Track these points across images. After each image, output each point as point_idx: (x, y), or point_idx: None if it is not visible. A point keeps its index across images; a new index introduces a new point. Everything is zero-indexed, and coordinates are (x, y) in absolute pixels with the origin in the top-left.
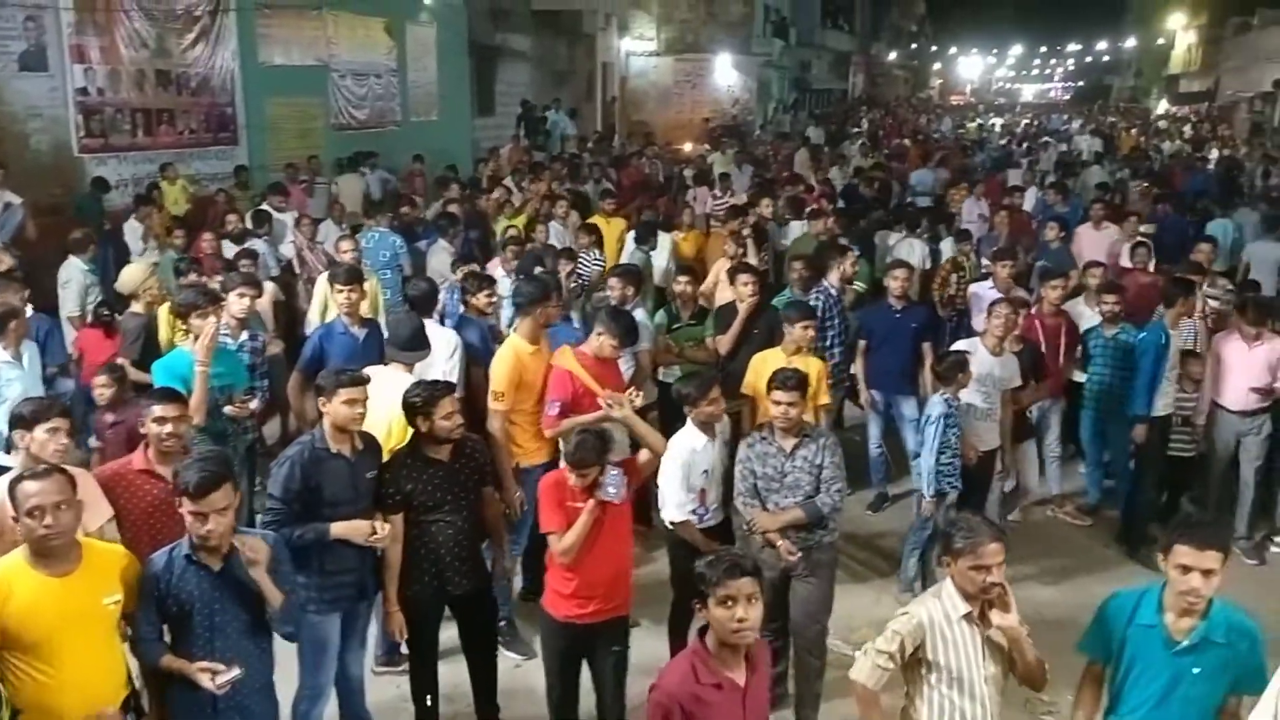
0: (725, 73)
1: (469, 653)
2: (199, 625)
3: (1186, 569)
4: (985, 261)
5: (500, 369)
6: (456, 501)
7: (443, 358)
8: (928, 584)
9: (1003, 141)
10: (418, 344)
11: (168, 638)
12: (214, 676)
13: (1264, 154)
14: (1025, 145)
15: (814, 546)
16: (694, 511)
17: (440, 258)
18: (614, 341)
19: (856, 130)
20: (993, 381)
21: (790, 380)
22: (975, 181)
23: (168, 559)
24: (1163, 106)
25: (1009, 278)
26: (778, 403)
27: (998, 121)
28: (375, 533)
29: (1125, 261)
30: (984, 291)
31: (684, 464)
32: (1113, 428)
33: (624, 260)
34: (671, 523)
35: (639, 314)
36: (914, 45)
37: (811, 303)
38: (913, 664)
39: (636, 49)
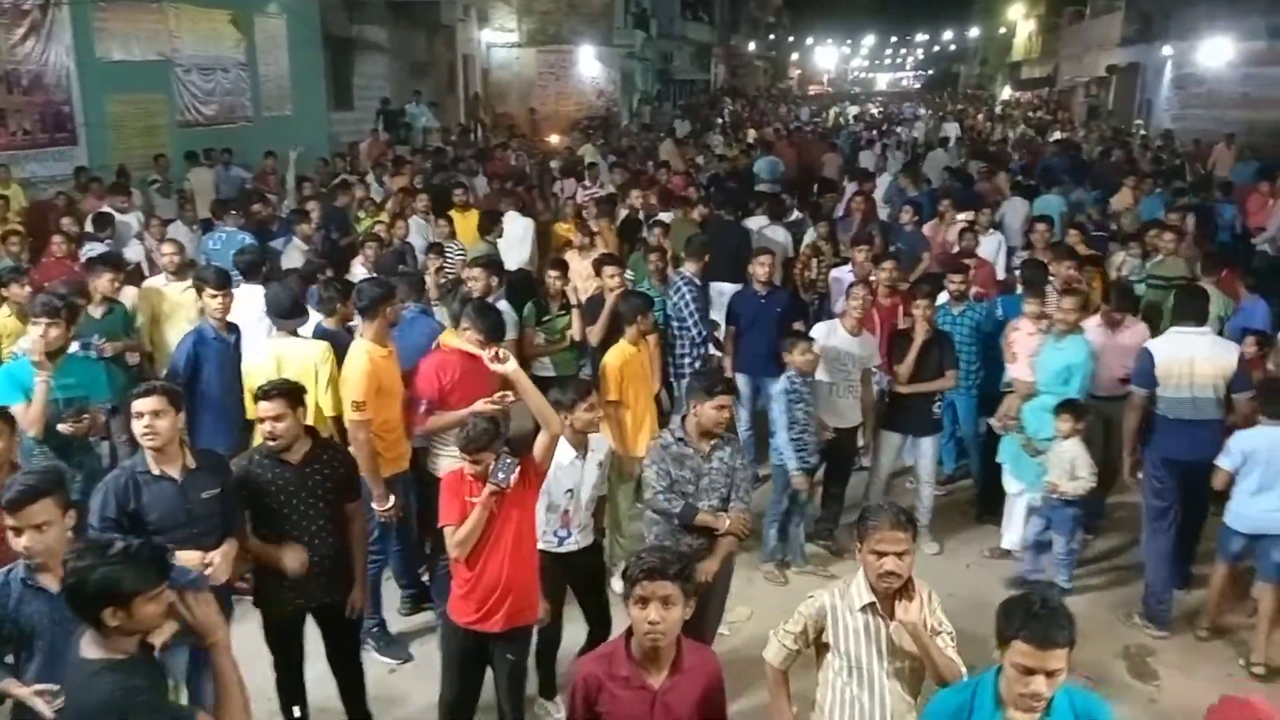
0: (589, 64)
1: (332, 662)
2: (40, 650)
3: (1029, 670)
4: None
5: (356, 377)
6: (309, 510)
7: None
8: (791, 558)
9: (857, 129)
10: (297, 311)
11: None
12: (50, 700)
13: (1100, 135)
14: (876, 132)
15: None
16: (555, 534)
17: (293, 257)
18: (480, 336)
19: (720, 120)
20: (852, 361)
21: (731, 384)
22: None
23: (4, 581)
24: (1007, 92)
25: (866, 262)
26: (721, 406)
27: (853, 110)
28: (210, 564)
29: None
30: (844, 275)
31: (545, 479)
32: (961, 401)
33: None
34: None
35: (501, 305)
36: (772, 36)
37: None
38: (822, 649)
39: (498, 40)
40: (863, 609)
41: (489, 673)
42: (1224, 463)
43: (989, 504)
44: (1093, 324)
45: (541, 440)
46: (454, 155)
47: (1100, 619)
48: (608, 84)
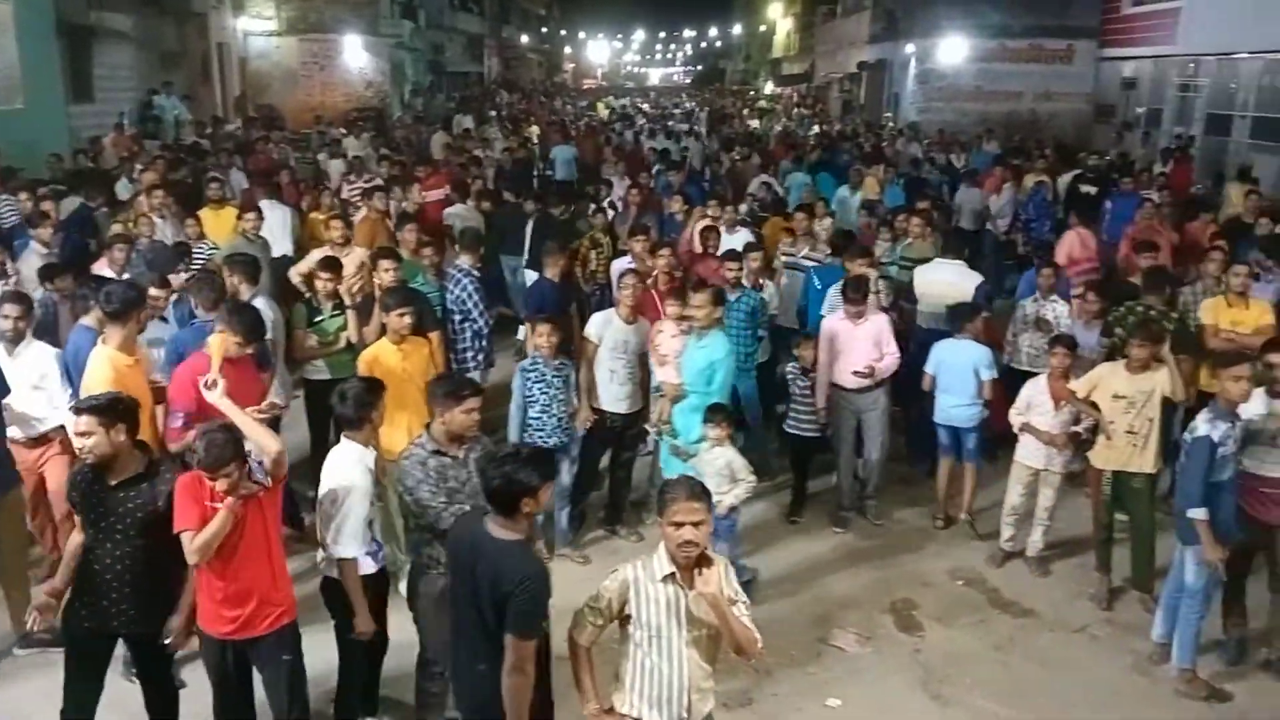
0: (355, 54)
1: (142, 683)
2: None
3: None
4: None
5: (96, 387)
6: (115, 531)
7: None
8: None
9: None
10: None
11: None
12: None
13: (853, 128)
14: (647, 125)
15: None
16: (368, 553)
17: (31, 263)
18: (237, 338)
19: (495, 113)
20: (629, 348)
21: (477, 387)
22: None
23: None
24: (769, 88)
25: (644, 252)
26: (469, 410)
27: (624, 103)
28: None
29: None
30: (624, 266)
31: (352, 488)
32: (742, 384)
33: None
34: (339, 559)
35: (259, 303)
36: (544, 29)
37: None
38: (625, 622)
39: (255, 29)
40: (663, 579)
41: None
42: (926, 368)
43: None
44: (835, 317)
45: (268, 461)
46: (210, 149)
47: (870, 579)
48: (376, 75)
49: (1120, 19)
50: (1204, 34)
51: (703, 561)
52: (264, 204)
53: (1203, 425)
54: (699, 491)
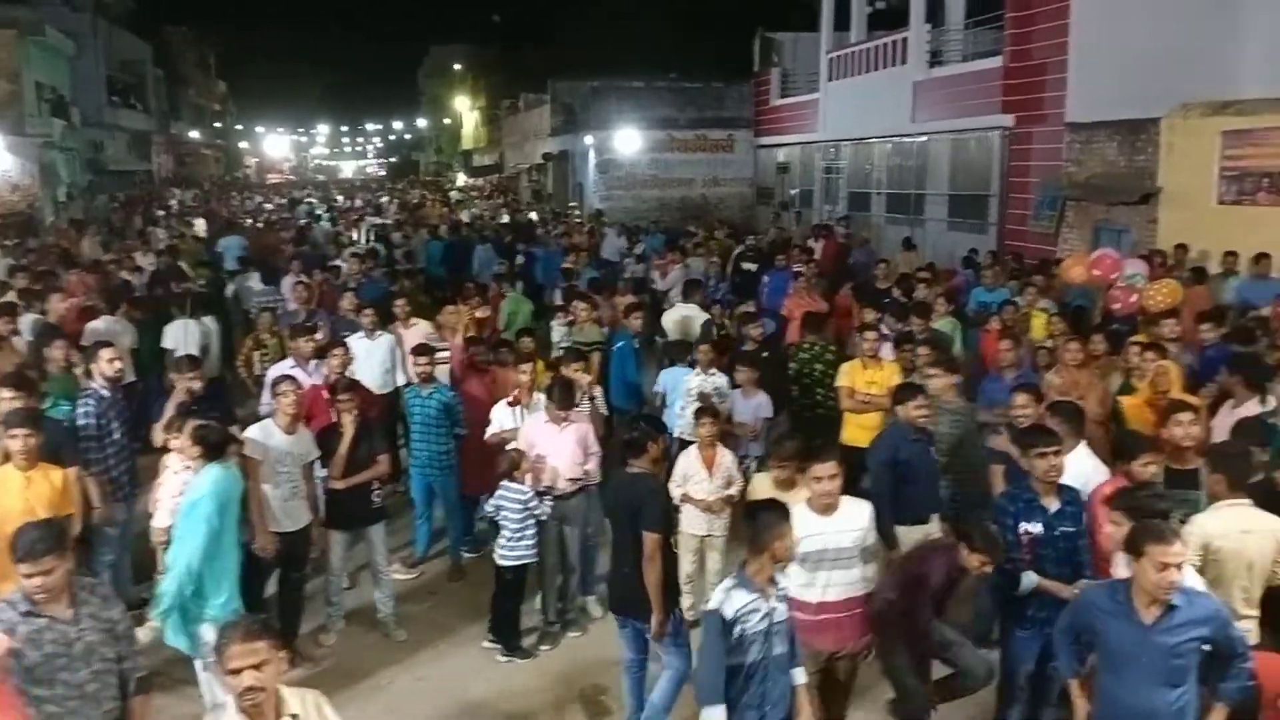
0: None
1: None
2: None
3: None
4: None
5: None
6: None
7: None
8: None
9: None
10: None
11: None
12: None
13: (542, 216)
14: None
15: None
16: None
17: None
18: None
19: (163, 212)
20: (292, 460)
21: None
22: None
23: None
24: (462, 179)
25: (310, 354)
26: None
27: (312, 199)
28: None
29: None
30: (282, 370)
31: None
32: (440, 481)
33: None
34: None
35: None
36: (218, 124)
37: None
38: None
39: None
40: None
41: None
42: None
43: None
44: (538, 419)
45: None
46: None
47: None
48: (23, 177)
49: (770, 110)
50: (839, 122)
51: (279, 705)
52: None
53: (717, 594)
54: (256, 630)
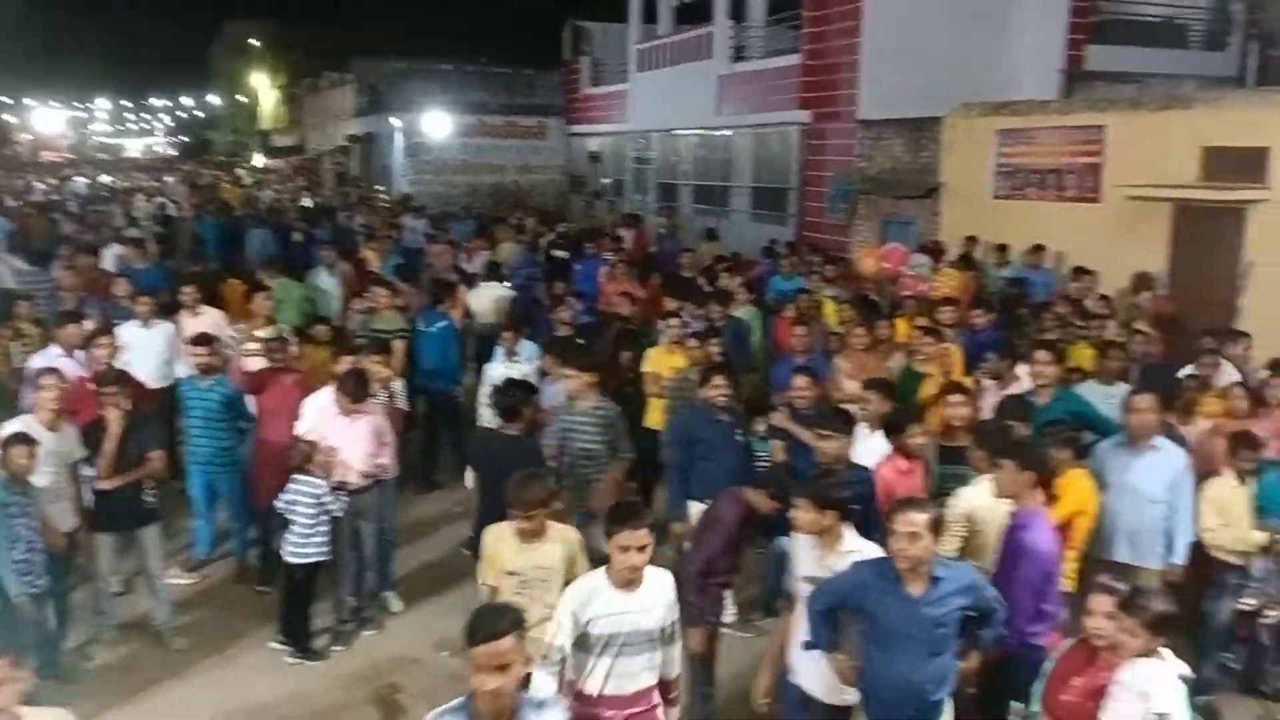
0: None
1: None
2: None
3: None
4: None
5: None
6: None
7: None
8: None
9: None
10: None
11: None
12: None
13: (347, 200)
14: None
15: None
16: None
17: None
18: None
19: None
20: (56, 459)
21: None
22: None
23: None
24: (260, 160)
25: (77, 343)
26: None
27: (81, 180)
28: None
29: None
30: (46, 360)
31: None
32: (222, 478)
33: None
34: None
35: None
36: None
37: None
38: None
39: None
40: None
41: None
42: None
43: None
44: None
45: None
46: None
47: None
48: None
49: (581, 99)
50: (648, 113)
51: None
52: None
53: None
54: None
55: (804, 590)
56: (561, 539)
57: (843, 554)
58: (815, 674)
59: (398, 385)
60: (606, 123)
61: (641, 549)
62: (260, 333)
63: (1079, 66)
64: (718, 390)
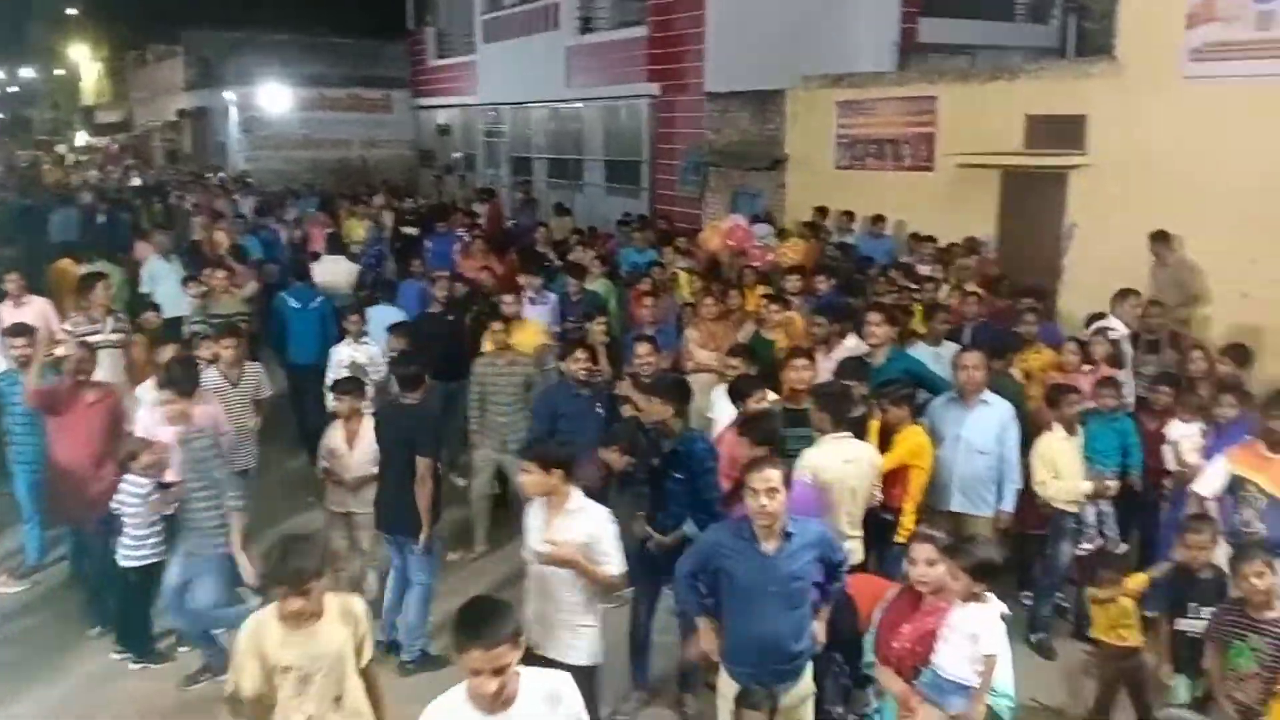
0: None
1: None
2: None
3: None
4: None
5: None
6: None
7: None
8: None
9: None
10: None
11: None
12: None
13: (180, 179)
14: None
15: None
16: None
17: None
18: None
19: None
20: None
21: None
22: None
23: None
24: (83, 138)
25: None
26: None
27: None
28: None
29: None
30: None
31: None
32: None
33: None
34: None
35: None
36: None
37: None
38: None
39: None
40: None
41: None
42: None
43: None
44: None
45: None
46: None
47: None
48: None
49: (428, 71)
50: (497, 85)
51: None
52: None
53: None
54: None
55: (535, 569)
56: (343, 614)
57: (570, 512)
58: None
59: (256, 370)
60: (455, 95)
61: (498, 671)
62: (99, 324)
63: (912, 39)
64: (578, 364)
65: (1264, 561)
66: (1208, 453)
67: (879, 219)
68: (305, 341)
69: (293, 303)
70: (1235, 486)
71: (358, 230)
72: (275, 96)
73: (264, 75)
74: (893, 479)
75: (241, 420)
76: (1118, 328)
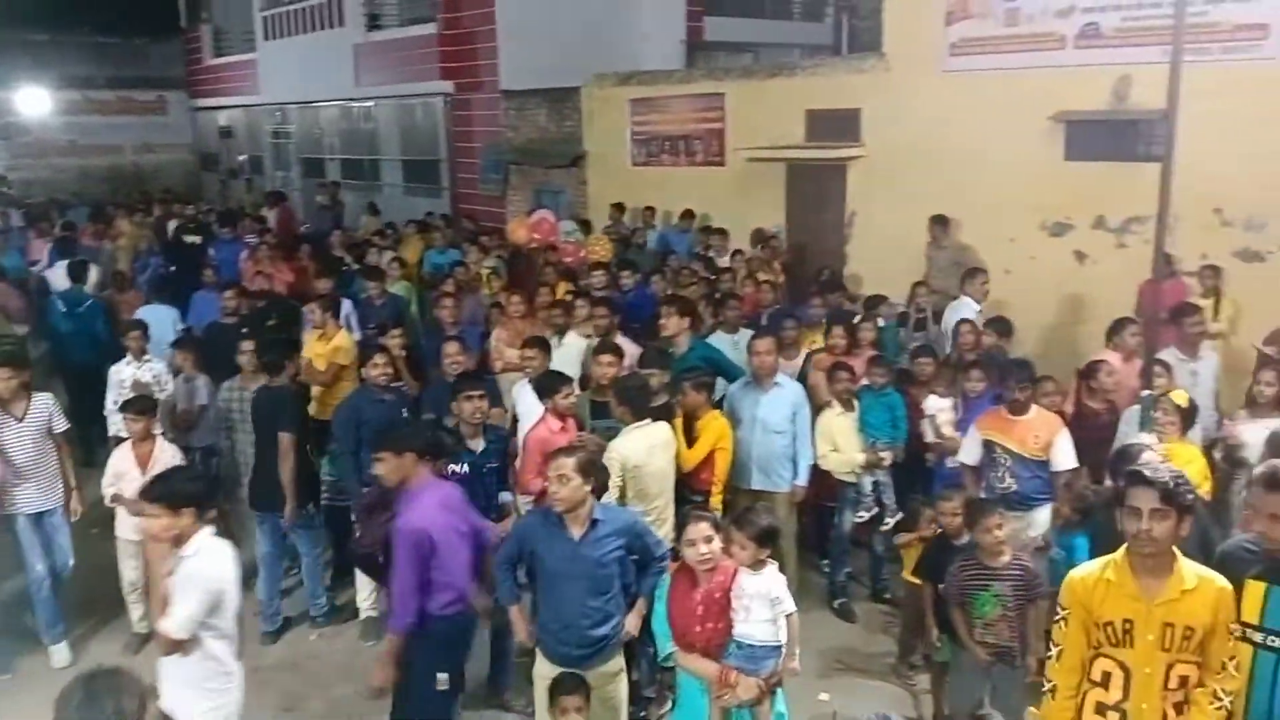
0: None
1: None
2: None
3: None
4: None
5: None
6: None
7: None
8: None
9: None
10: None
11: None
12: None
13: None
14: None
15: None
16: None
17: None
18: None
19: None
20: None
21: None
22: None
23: None
24: None
25: None
26: None
27: None
28: None
29: None
30: None
31: None
32: None
33: None
34: None
35: None
36: None
37: None
38: None
39: None
40: None
41: None
42: None
43: None
44: None
45: None
46: None
47: None
48: None
49: (205, 70)
50: (281, 84)
51: None
52: None
53: None
54: None
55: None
56: None
57: (184, 558)
58: None
59: (45, 401)
60: (236, 95)
61: None
62: None
63: (699, 37)
64: (379, 370)
65: (1000, 514)
66: (962, 426)
67: (688, 214)
68: (78, 341)
69: (61, 306)
70: (989, 450)
71: (133, 240)
72: (34, 100)
73: (20, 78)
74: (701, 463)
75: (38, 458)
76: (969, 305)
